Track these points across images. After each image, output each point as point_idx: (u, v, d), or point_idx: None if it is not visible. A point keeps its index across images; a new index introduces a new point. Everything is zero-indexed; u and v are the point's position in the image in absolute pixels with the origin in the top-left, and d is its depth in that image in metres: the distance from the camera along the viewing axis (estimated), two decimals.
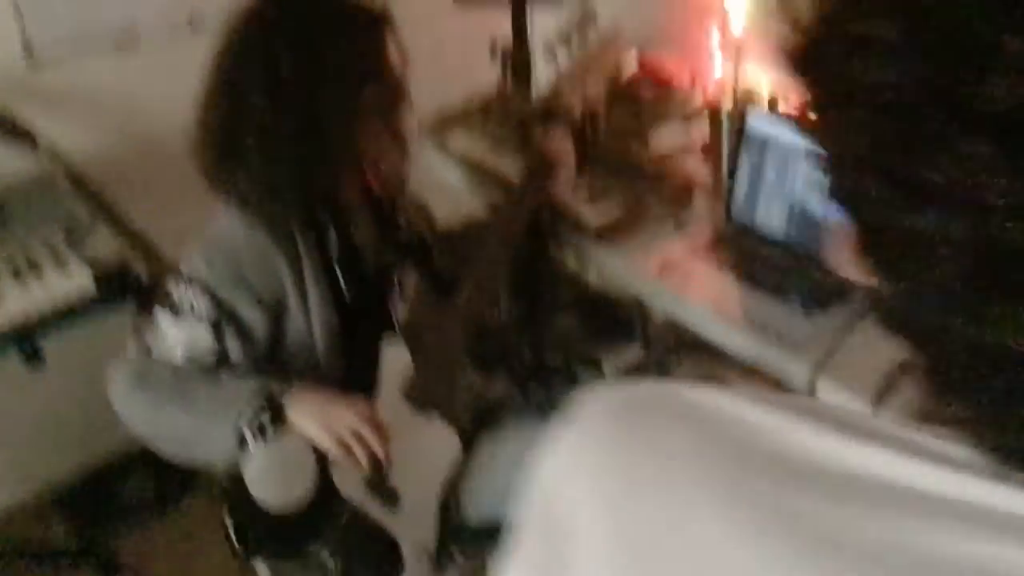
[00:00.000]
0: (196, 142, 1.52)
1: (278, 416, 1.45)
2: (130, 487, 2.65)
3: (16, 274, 1.93)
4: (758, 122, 1.90)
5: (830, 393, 1.60)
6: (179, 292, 1.51)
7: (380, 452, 1.47)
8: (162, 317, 1.52)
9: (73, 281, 1.94)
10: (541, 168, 1.85)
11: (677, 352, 2.33)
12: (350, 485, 1.56)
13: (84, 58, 2.25)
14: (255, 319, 1.54)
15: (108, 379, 1.55)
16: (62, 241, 2.02)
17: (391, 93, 1.53)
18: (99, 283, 1.94)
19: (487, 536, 1.65)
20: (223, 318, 1.51)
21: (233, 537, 1.59)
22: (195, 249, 1.55)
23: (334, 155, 1.50)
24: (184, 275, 1.52)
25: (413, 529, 1.61)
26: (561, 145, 1.86)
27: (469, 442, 1.72)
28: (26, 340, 1.93)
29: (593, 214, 2.01)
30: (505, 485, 1.61)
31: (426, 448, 1.64)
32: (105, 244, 2.04)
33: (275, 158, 1.45)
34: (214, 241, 1.54)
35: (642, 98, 2.34)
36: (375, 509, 1.57)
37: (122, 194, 2.24)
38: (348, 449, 1.45)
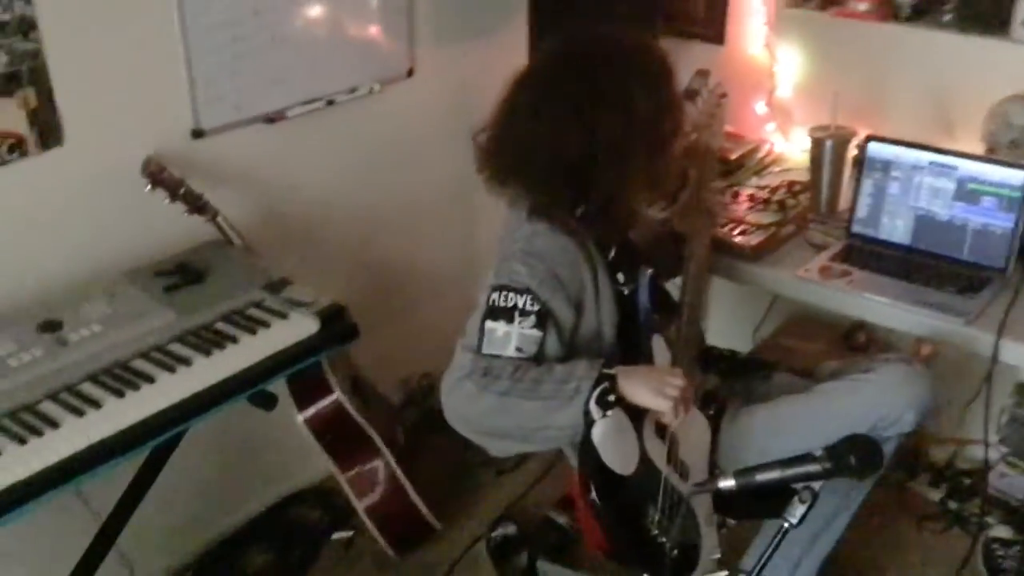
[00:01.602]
0: (542, 175, 1.76)
1: (614, 389, 1.66)
2: (253, 560, 2.68)
3: (251, 330, 2.02)
4: (877, 150, 2.30)
5: (1013, 351, 1.96)
6: (507, 300, 1.71)
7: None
8: (494, 326, 1.70)
9: (300, 328, 2.05)
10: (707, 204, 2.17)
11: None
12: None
13: (240, 133, 2.40)
14: (567, 315, 1.75)
15: (445, 394, 1.71)
16: (268, 296, 2.13)
17: (678, 125, 1.83)
18: (324, 326, 2.07)
19: (753, 498, 1.88)
20: (545, 316, 1.72)
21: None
22: (510, 262, 1.75)
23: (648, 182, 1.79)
24: (509, 284, 1.73)
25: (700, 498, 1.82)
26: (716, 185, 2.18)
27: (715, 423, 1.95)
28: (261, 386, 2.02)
29: (741, 240, 2.33)
30: (749, 455, 1.87)
31: (691, 428, 1.86)
32: (306, 293, 2.15)
33: (622, 182, 1.73)
34: (530, 252, 1.75)
35: (728, 152, 2.72)
36: (674, 479, 1.78)
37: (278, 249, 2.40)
38: (677, 409, 1.68)
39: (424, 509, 2.57)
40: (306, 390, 2.40)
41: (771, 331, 3.01)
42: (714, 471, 1.91)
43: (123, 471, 2.16)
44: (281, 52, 2.41)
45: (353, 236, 2.72)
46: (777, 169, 2.79)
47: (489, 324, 1.71)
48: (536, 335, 1.71)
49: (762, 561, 1.49)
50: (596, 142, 1.73)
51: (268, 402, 2.06)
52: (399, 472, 2.50)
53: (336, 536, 2.74)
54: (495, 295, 1.73)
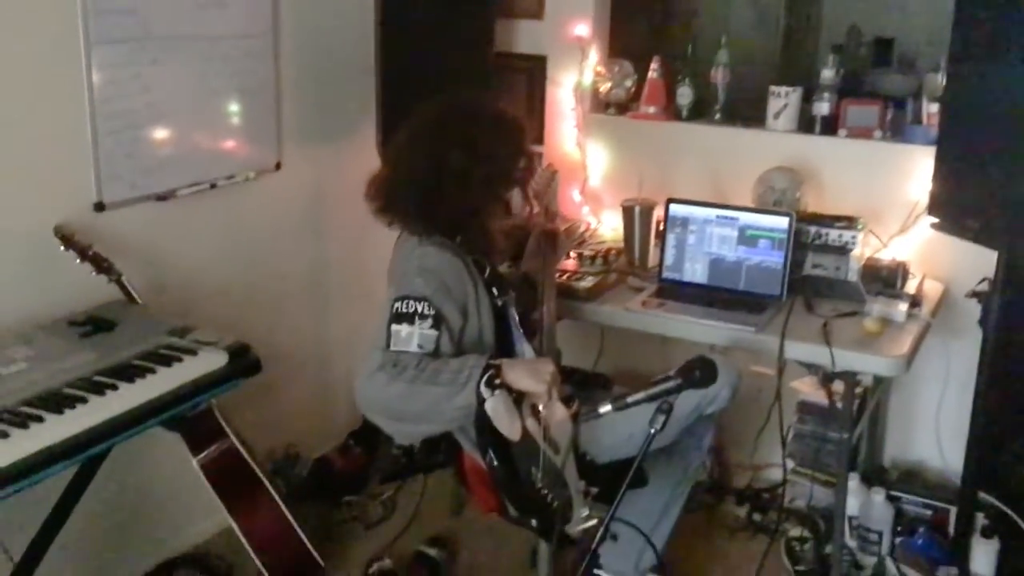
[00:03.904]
0: (409, 201, 2.19)
1: (499, 375, 2.06)
2: None
3: (167, 362, 2.28)
4: (676, 209, 2.88)
5: (794, 349, 2.52)
6: (408, 306, 2.09)
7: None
8: (399, 327, 2.08)
9: (211, 361, 2.34)
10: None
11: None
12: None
13: (136, 208, 2.70)
14: (456, 318, 2.15)
15: (361, 387, 2.05)
16: (176, 339, 2.40)
17: (527, 172, 2.32)
18: (231, 360, 2.36)
19: (610, 472, 2.30)
20: (439, 319, 2.11)
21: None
22: (408, 277, 2.15)
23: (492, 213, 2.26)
24: (408, 294, 2.11)
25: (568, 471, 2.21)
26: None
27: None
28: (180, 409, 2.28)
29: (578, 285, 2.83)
30: (603, 432, 2.30)
31: (557, 416, 2.26)
32: (210, 335, 2.44)
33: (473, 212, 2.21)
34: (424, 267, 2.16)
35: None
36: (549, 452, 2.18)
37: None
38: (549, 393, 2.09)
39: (311, 548, 2.80)
40: (200, 436, 2.64)
41: None
42: (578, 453, 2.32)
43: (36, 511, 2.34)
44: (172, 139, 2.75)
45: (228, 311, 2.99)
46: (595, 242, 3.34)
47: (395, 327, 2.08)
48: (433, 334, 2.09)
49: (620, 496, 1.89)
50: (445, 171, 2.19)
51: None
52: (288, 513, 2.74)
53: None
54: (398, 303, 2.11)
